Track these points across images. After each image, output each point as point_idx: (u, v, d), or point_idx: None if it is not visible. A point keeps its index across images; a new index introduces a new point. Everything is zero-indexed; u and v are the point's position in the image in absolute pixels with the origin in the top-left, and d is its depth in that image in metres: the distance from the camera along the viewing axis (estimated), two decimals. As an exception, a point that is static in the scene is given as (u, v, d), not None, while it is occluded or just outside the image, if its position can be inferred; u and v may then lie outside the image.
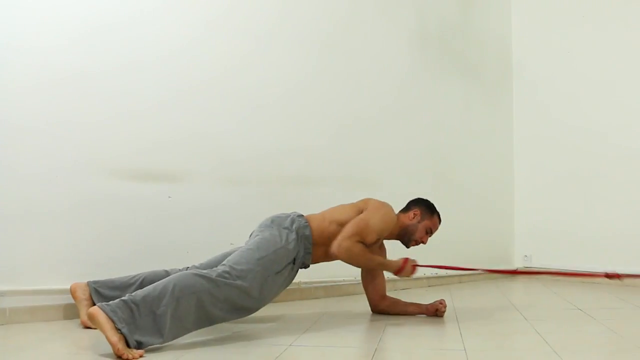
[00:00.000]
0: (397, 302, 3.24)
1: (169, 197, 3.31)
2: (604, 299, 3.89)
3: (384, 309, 3.22)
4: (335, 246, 2.85)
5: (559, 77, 5.08)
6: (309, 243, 2.86)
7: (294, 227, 2.83)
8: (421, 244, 3.17)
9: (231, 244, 3.10)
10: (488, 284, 4.70)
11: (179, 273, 2.43)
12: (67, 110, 3.01)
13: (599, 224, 4.72)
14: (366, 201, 3.08)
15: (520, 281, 4.95)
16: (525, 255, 5.08)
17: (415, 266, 3.03)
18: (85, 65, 3.08)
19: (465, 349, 2.35)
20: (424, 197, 3.25)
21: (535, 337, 2.61)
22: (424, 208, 3.18)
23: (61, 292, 2.86)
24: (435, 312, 3.13)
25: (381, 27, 4.40)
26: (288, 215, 2.91)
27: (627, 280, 4.43)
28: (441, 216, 3.24)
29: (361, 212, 3.00)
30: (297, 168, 3.84)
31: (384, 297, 3.24)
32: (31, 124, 2.92)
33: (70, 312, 2.89)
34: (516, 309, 3.45)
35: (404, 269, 2.99)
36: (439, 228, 3.24)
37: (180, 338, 2.39)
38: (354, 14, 4.25)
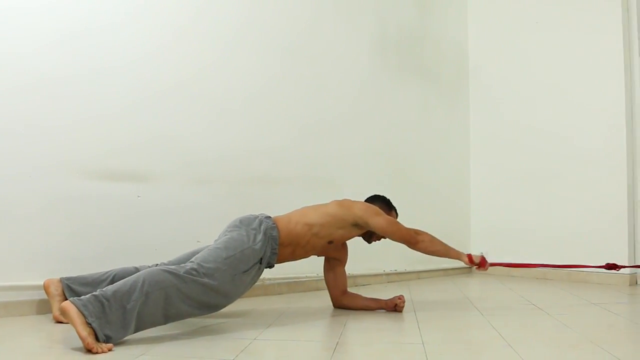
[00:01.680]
0: (357, 297, 3.29)
1: (139, 196, 3.34)
2: (557, 294, 3.97)
3: (345, 304, 3.27)
4: (418, 249, 3.14)
5: (513, 79, 5.16)
6: (276, 244, 2.89)
7: (261, 228, 2.86)
8: (382, 240, 3.25)
9: (198, 241, 3.15)
10: (445, 280, 4.76)
11: (148, 269, 2.45)
12: (41, 113, 3.05)
13: (551, 221, 4.81)
14: (339, 204, 3.11)
15: (477, 277, 5.00)
16: (482, 252, 5.14)
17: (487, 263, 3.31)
18: (59, 70, 3.11)
19: (423, 343, 2.41)
20: (381, 194, 3.35)
21: (491, 331, 2.67)
22: (383, 204, 3.26)
23: (35, 288, 2.88)
24: (394, 307, 3.19)
25: (342, 33, 4.46)
26: (256, 217, 2.94)
27: (578, 276, 4.59)
28: (400, 214, 3.34)
29: (333, 215, 3.03)
30: (262, 168, 3.89)
31: (345, 292, 3.29)
32: (6, 126, 2.94)
33: (43, 307, 2.92)
34: (472, 304, 3.52)
35: (474, 260, 3.27)
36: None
37: (148, 332, 2.42)
38: (316, 20, 4.31)
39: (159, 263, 2.92)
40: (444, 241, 3.21)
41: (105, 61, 3.27)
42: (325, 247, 3.15)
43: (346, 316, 3.07)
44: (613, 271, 3.56)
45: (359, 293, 3.37)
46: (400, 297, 3.22)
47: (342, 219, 3.05)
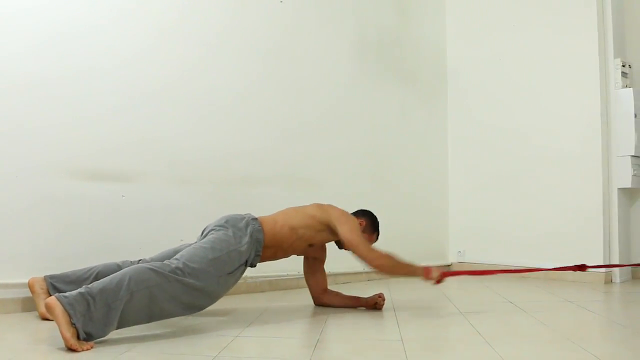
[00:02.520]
0: (338, 295, 3.32)
1: (123, 196, 3.36)
2: (534, 292, 4.01)
3: (326, 302, 3.30)
4: (374, 267, 2.98)
5: (489, 82, 5.19)
6: (260, 246, 2.90)
7: (248, 230, 2.85)
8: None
9: (181, 240, 3.16)
10: (424, 279, 4.80)
11: (134, 266, 2.43)
12: (28, 114, 3.07)
13: (528, 222, 4.85)
14: (320, 207, 3.13)
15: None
16: (459, 251, 5.19)
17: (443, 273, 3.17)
18: (44, 71, 3.14)
19: (402, 339, 2.45)
20: (369, 209, 3.34)
21: (468, 328, 2.72)
22: (370, 223, 3.26)
23: (20, 286, 2.91)
24: (374, 305, 3.22)
25: (323, 37, 4.49)
26: (243, 218, 2.93)
27: (554, 274, 4.63)
28: (379, 215, 3.34)
29: (313, 216, 3.06)
30: (244, 169, 3.91)
31: (326, 290, 3.32)
32: (-8, 126, 2.98)
33: (28, 305, 2.93)
34: (451, 302, 3.55)
35: (431, 274, 3.12)
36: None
37: (132, 330, 2.43)
38: (298, 24, 4.34)
39: (141, 259, 2.93)
40: (408, 256, 3.12)
41: (91, 63, 3.30)
42: (305, 249, 3.17)
43: (327, 314, 3.10)
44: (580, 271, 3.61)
45: (340, 291, 3.39)
46: (381, 295, 3.25)
47: (320, 222, 3.07)
